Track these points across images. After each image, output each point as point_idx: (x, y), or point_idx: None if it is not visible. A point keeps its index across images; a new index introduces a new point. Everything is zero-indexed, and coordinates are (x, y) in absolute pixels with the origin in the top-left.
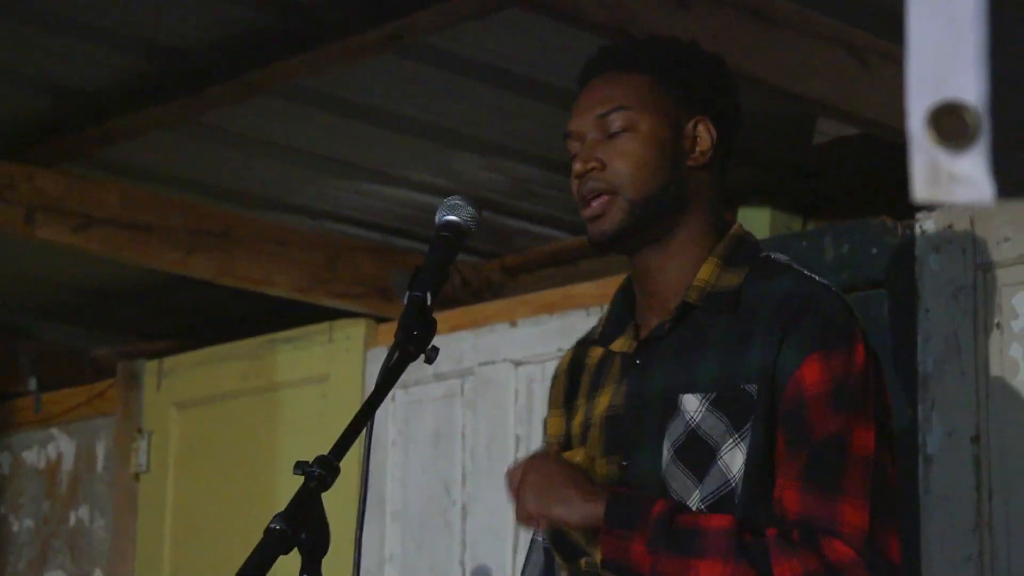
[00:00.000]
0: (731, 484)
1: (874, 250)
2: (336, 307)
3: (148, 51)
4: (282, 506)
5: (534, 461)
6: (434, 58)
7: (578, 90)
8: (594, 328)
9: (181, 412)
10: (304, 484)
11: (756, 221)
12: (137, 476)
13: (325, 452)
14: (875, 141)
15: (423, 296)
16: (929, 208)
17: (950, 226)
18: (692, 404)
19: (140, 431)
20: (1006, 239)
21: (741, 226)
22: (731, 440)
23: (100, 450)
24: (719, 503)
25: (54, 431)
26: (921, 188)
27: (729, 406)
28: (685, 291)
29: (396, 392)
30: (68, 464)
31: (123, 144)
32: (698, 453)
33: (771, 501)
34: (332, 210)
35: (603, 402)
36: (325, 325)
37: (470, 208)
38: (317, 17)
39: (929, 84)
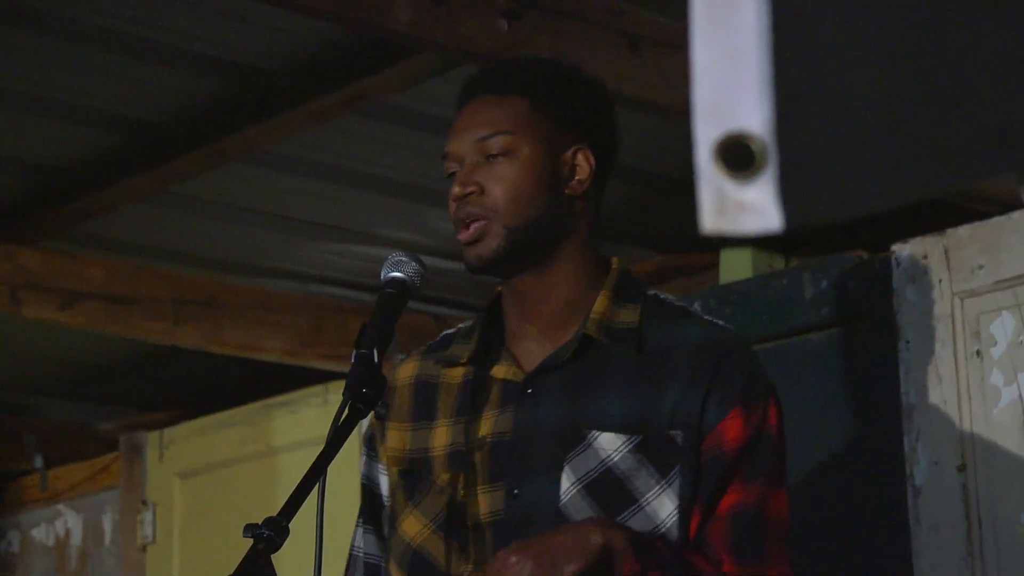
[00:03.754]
0: (660, 530)
1: (852, 284)
2: (327, 369)
3: (116, 125)
4: (286, 568)
5: (513, 553)
6: (398, 116)
7: (456, 111)
8: (444, 345)
9: (184, 482)
10: (253, 546)
11: (738, 261)
12: (144, 547)
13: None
14: None
15: (370, 353)
16: (904, 239)
17: (925, 256)
18: (611, 442)
19: (144, 503)
20: (980, 267)
21: (619, 261)
22: (657, 487)
23: (107, 524)
24: None
25: (61, 507)
26: (709, 219)
27: (653, 452)
28: (582, 323)
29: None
30: (76, 539)
31: (100, 219)
32: (614, 492)
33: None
34: (315, 272)
35: (484, 427)
36: (320, 388)
37: (414, 264)
38: (278, 83)
39: (714, 115)
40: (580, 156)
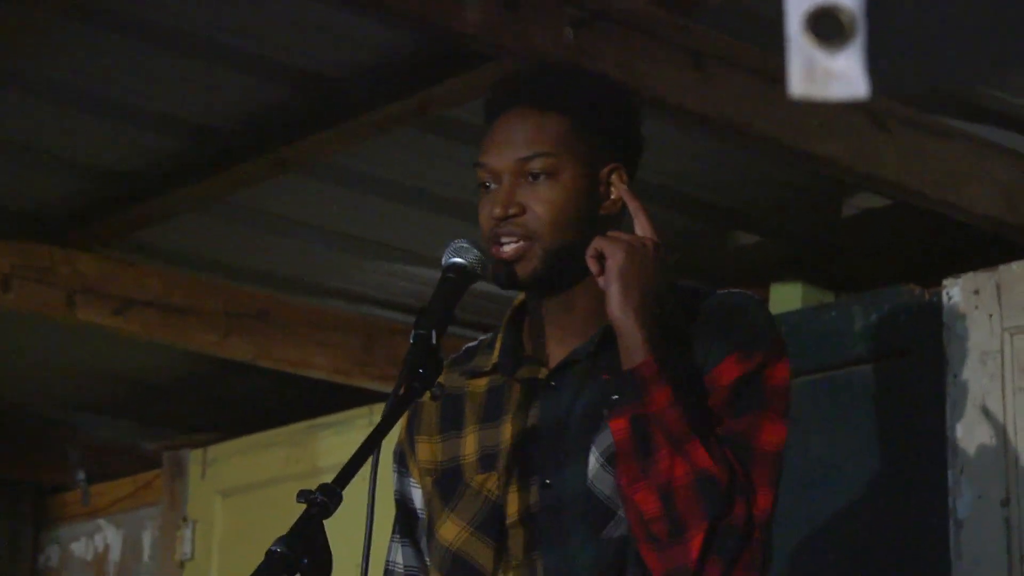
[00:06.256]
0: None
1: (902, 318)
2: (375, 389)
3: (178, 130)
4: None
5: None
6: (461, 132)
7: (488, 118)
8: (468, 357)
9: (225, 500)
10: (306, 511)
11: (788, 296)
12: (182, 564)
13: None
14: (902, 211)
15: (428, 334)
16: (955, 274)
17: (976, 292)
18: None
19: (185, 520)
20: None
21: None
22: None
23: (146, 540)
24: None
25: (101, 522)
26: (798, 84)
27: None
28: (606, 321)
29: None
30: (115, 555)
31: (158, 226)
32: None
33: None
34: (369, 292)
35: (513, 426)
36: (365, 409)
37: (475, 251)
38: (343, 91)
39: None
40: (615, 176)
